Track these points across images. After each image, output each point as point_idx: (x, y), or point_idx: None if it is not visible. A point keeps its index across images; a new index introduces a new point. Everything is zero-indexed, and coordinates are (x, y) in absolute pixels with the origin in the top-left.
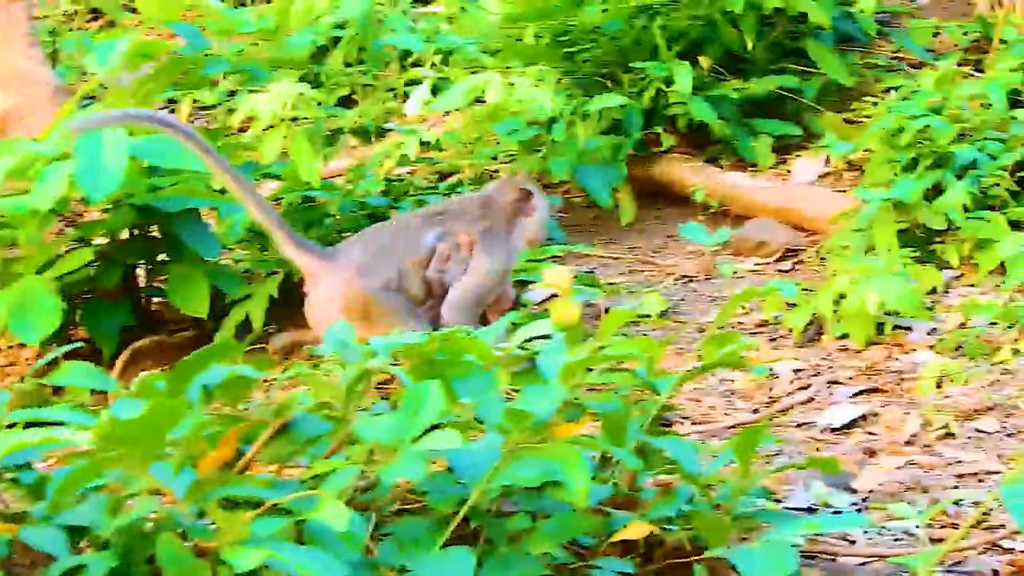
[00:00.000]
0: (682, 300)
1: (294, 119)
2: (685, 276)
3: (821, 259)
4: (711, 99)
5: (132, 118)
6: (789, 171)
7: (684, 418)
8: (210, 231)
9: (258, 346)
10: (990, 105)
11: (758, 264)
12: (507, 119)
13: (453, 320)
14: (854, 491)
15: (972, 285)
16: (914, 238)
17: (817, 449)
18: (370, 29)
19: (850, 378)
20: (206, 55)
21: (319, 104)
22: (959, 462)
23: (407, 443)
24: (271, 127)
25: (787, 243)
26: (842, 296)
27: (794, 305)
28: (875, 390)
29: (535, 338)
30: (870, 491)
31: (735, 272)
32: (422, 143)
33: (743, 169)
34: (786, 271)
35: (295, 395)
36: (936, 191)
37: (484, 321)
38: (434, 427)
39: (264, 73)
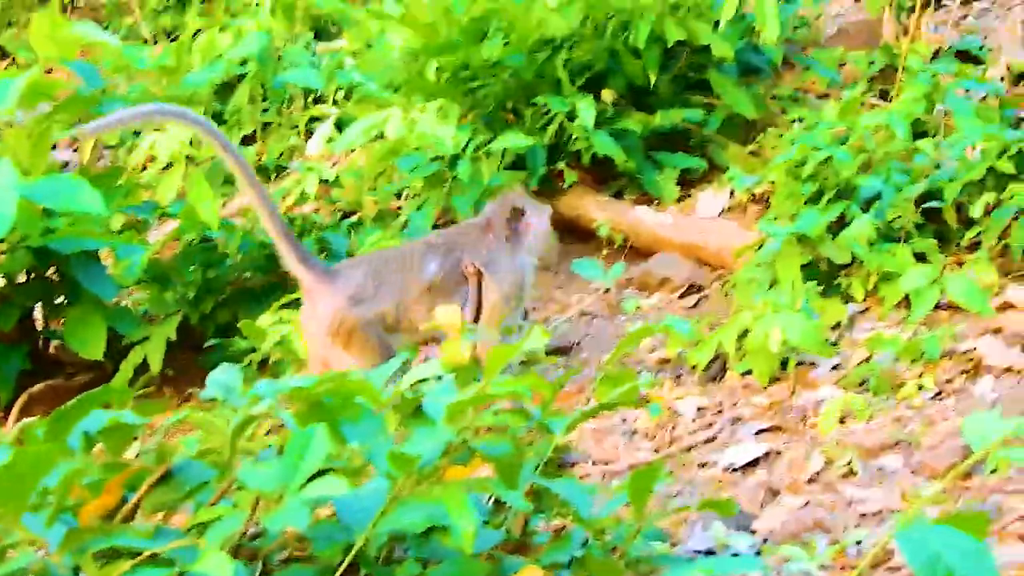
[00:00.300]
0: (586, 336)
1: (192, 158)
2: (588, 313)
3: (726, 294)
4: (615, 133)
5: (147, 115)
6: (694, 205)
7: (585, 458)
8: (107, 273)
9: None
10: (895, 136)
11: (662, 300)
12: (409, 155)
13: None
14: (754, 532)
15: (878, 319)
16: (818, 272)
17: (718, 489)
18: (269, 66)
19: (754, 415)
20: (103, 93)
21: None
22: (861, 501)
23: (291, 490)
24: (170, 165)
25: (691, 278)
26: (746, 332)
27: (699, 342)
28: (778, 428)
29: (426, 379)
30: (770, 531)
31: (638, 308)
32: (323, 181)
33: (648, 203)
34: (691, 307)
35: (182, 440)
36: (841, 223)
37: None
38: (323, 472)
39: None
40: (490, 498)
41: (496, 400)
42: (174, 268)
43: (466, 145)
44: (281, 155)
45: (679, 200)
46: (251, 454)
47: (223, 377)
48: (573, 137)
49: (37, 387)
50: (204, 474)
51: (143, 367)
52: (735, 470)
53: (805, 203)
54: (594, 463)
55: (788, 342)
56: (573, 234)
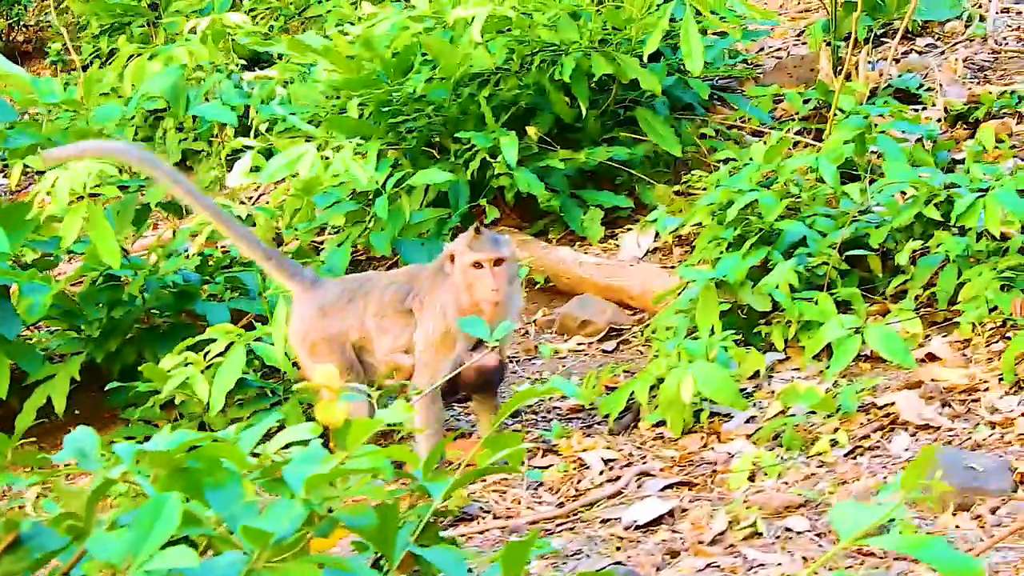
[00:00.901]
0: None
1: (96, 195)
2: (507, 357)
3: (646, 340)
4: (539, 170)
5: (107, 151)
6: (619, 245)
7: (486, 512)
8: (11, 309)
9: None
10: (822, 179)
11: (581, 343)
12: (326, 191)
13: (421, 399)
14: None
15: (797, 369)
16: (739, 319)
17: (618, 548)
18: (181, 101)
19: (662, 469)
20: (12, 127)
21: (133, 175)
22: (761, 565)
23: (138, 563)
24: (73, 202)
25: (612, 321)
26: (660, 381)
27: (613, 389)
28: (686, 483)
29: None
30: None
31: (556, 352)
32: (238, 216)
33: (573, 243)
34: (610, 351)
35: (44, 502)
36: (764, 269)
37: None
38: (180, 540)
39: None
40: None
41: (355, 474)
42: (78, 306)
43: (385, 182)
44: (208, 186)
45: (604, 240)
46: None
47: (79, 439)
48: (496, 174)
49: None
50: (56, 541)
51: (48, 406)
52: (638, 528)
53: (727, 248)
54: (495, 517)
55: (701, 393)
56: None
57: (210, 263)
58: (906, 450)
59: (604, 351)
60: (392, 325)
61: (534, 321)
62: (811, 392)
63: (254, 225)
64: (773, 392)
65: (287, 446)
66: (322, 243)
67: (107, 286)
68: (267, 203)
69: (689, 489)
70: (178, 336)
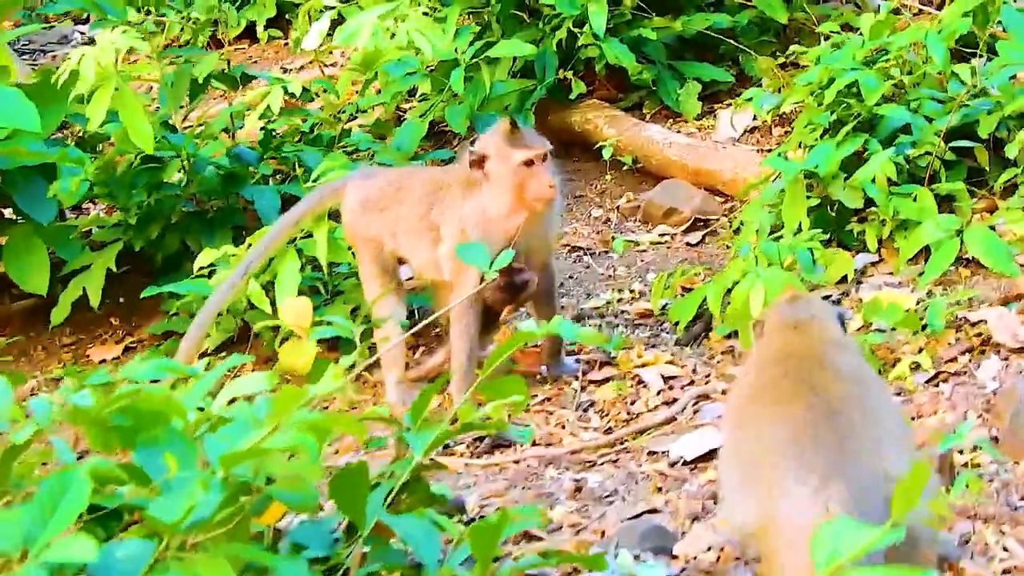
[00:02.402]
0: (570, 278)
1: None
2: (581, 248)
3: (735, 231)
4: (632, 40)
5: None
6: (716, 125)
7: (524, 439)
8: (44, 193)
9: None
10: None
11: (664, 234)
12: (401, 60)
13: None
14: (675, 557)
15: (890, 272)
16: (829, 216)
17: (660, 488)
18: None
19: (724, 392)
20: None
21: (186, 44)
22: None
23: (34, 552)
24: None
25: (699, 210)
26: (736, 285)
27: (689, 290)
28: None
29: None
30: (692, 559)
31: (634, 246)
32: (290, 94)
33: (668, 119)
34: (694, 245)
35: None
36: (861, 160)
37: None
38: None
39: (115, 11)
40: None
41: (275, 453)
42: (115, 190)
43: (467, 52)
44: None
45: (702, 116)
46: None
47: None
48: (583, 44)
49: None
50: None
51: (86, 297)
52: (685, 463)
53: (823, 135)
54: (535, 444)
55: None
56: (585, 150)
57: (276, 136)
58: (993, 379)
59: (688, 244)
60: (419, 242)
61: (617, 207)
62: (894, 308)
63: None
64: (861, 301)
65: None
66: (406, 112)
67: (145, 168)
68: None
69: None
70: (226, 222)
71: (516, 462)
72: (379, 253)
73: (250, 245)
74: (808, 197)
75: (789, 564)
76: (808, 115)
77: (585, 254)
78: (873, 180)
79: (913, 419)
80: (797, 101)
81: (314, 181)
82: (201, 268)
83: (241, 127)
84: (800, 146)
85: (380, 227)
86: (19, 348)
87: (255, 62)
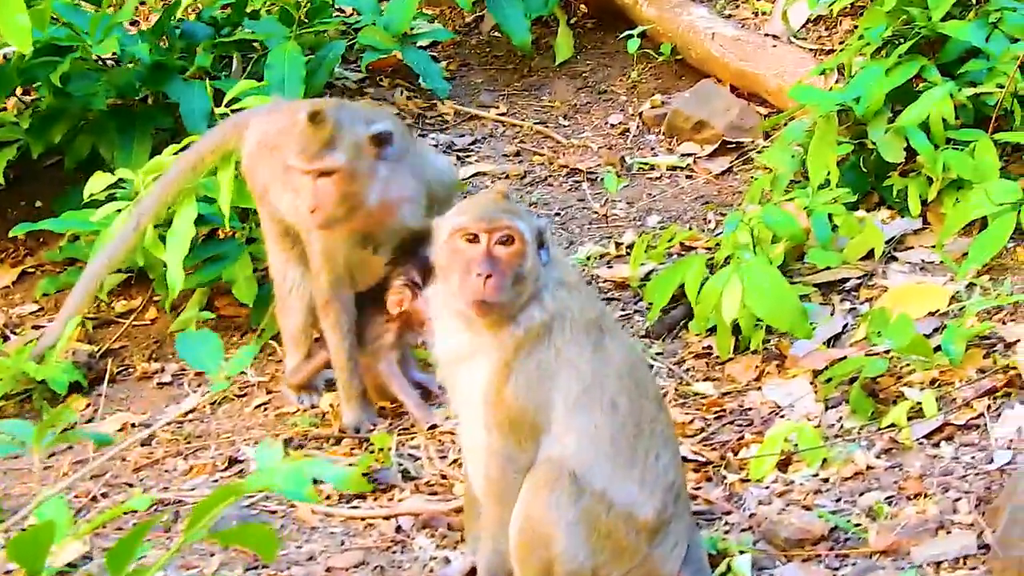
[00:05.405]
0: (557, 215)
1: None
2: (579, 172)
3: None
4: None
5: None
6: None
7: (408, 478)
8: None
9: None
10: None
11: (686, 156)
12: None
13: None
14: None
15: (932, 247)
16: (864, 166)
17: None
18: None
19: (685, 419)
20: None
21: None
22: None
23: None
24: None
25: (734, 126)
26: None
27: (690, 250)
28: (699, 452)
29: None
30: None
31: (651, 168)
32: None
33: None
34: (718, 175)
35: None
36: (912, 95)
37: None
38: None
39: None
40: None
41: None
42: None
43: None
44: None
45: None
46: None
47: None
48: None
49: None
50: None
51: None
52: None
53: (875, 53)
54: (427, 483)
55: (751, 311)
56: (614, 28)
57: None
58: (1008, 445)
59: (710, 173)
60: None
61: (640, 114)
62: (902, 326)
63: None
64: (886, 289)
65: None
66: None
67: (44, 60)
68: None
69: (699, 467)
70: (146, 127)
71: (386, 518)
72: (271, 215)
73: (179, 151)
74: (842, 143)
75: None
76: (869, 18)
77: (584, 180)
78: (924, 123)
79: (889, 500)
80: None
81: (227, 105)
82: (92, 195)
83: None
84: (840, 71)
85: (268, 175)
86: None
87: None
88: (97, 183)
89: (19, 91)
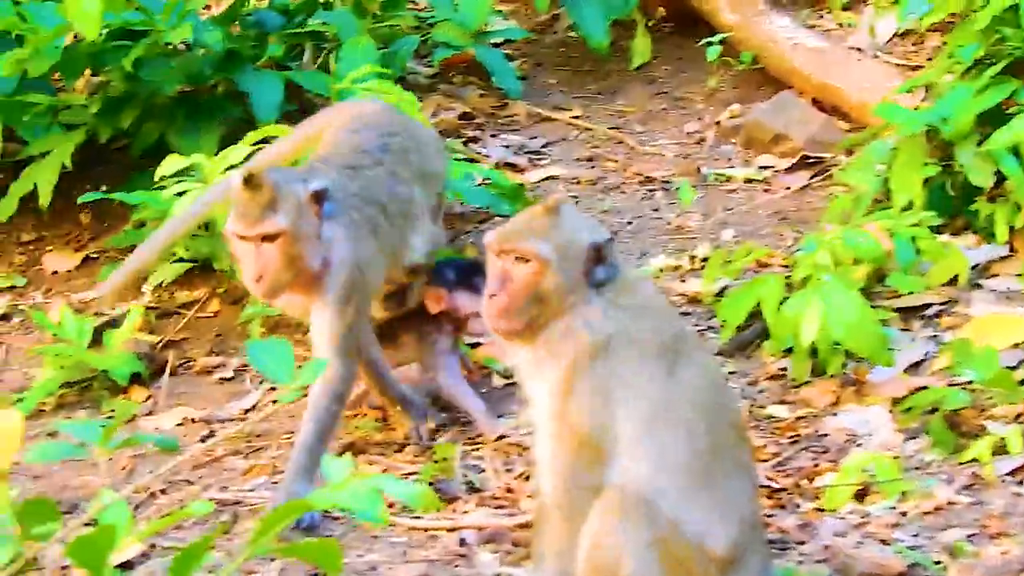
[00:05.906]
0: (629, 224)
1: None
2: (654, 180)
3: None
4: None
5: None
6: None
7: (474, 489)
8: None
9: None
10: None
11: (764, 168)
12: None
13: None
14: None
15: (1019, 275)
16: (951, 190)
17: None
18: None
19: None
20: None
21: None
22: None
23: None
24: None
25: (814, 140)
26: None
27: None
28: (774, 480)
29: None
30: None
31: (727, 180)
32: None
33: (803, 6)
34: (797, 191)
35: None
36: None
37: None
38: None
39: None
40: None
41: None
42: (65, 68)
43: None
44: None
45: (850, 6)
46: None
47: None
48: None
49: None
50: None
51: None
52: None
53: (966, 72)
54: (493, 497)
55: (831, 335)
56: (694, 34)
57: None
58: None
59: (788, 188)
60: None
61: (717, 123)
62: (987, 359)
63: None
64: (969, 318)
65: None
66: None
67: (116, 44)
68: None
69: (772, 493)
70: (215, 115)
71: (450, 530)
72: None
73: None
74: (928, 164)
75: None
76: (959, 35)
77: (659, 189)
78: (1014, 148)
79: (970, 537)
80: (952, 13)
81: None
82: (163, 177)
83: None
84: (927, 89)
85: None
86: None
87: None
88: (170, 165)
89: (88, 73)
